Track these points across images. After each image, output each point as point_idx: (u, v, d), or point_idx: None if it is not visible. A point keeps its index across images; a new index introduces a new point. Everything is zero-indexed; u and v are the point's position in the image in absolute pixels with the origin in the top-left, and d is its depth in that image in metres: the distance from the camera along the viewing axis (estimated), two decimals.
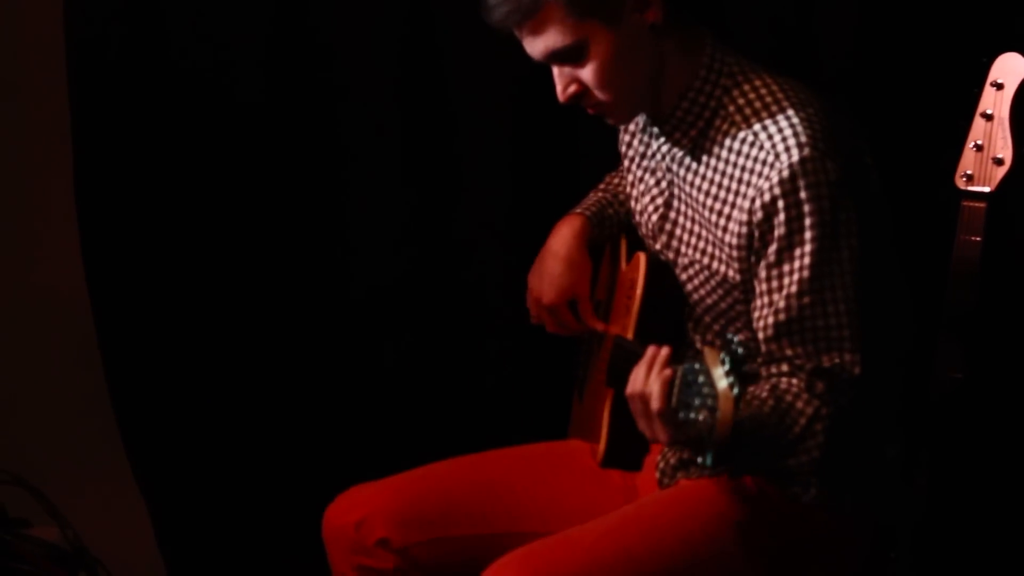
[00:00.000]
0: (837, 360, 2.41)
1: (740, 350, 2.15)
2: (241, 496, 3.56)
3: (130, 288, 3.52)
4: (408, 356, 3.48)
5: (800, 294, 2.41)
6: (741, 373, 2.14)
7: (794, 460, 2.42)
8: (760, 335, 2.45)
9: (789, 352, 2.43)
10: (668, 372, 2.27)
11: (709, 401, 2.15)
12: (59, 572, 3.27)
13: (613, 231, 2.84)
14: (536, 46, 2.45)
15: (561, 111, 3.17)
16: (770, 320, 2.44)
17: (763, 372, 2.46)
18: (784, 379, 2.43)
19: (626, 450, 2.68)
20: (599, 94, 2.48)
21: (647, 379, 2.29)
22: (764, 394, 2.41)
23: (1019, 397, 2.97)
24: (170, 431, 3.56)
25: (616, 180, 2.88)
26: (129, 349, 3.54)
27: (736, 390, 2.12)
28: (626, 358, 2.57)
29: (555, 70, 2.49)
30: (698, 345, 2.64)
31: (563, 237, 2.78)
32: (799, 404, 2.40)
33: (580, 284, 2.76)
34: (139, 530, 3.61)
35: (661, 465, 2.64)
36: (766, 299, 2.44)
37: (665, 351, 2.30)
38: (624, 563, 2.45)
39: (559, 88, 2.49)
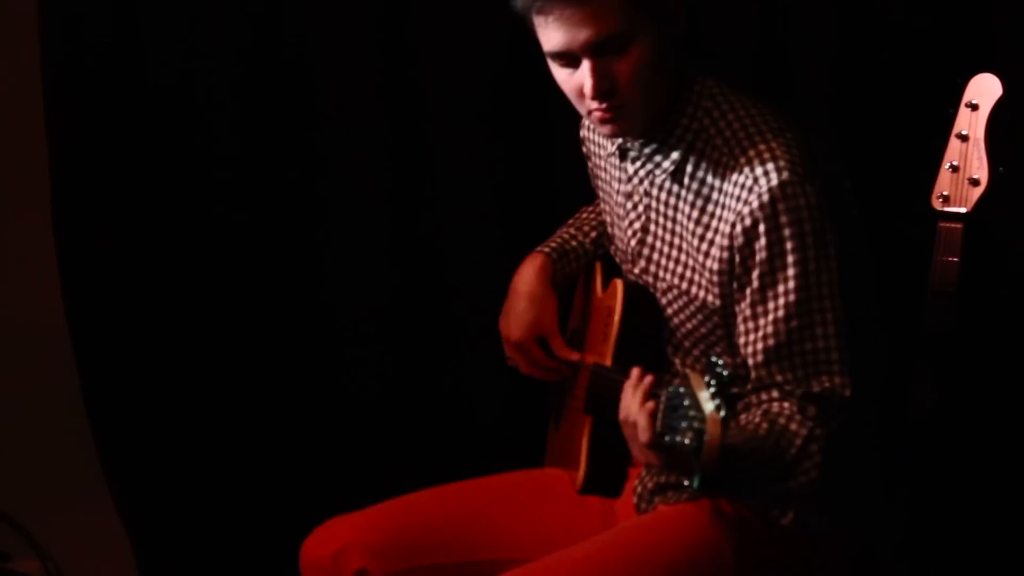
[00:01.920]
0: (827, 384, 2.40)
1: (725, 372, 2.14)
2: (221, 529, 3.56)
3: (109, 323, 3.51)
4: (385, 388, 3.48)
5: (787, 318, 2.40)
6: (728, 396, 2.13)
7: (793, 482, 2.39)
8: (749, 361, 2.44)
9: (779, 378, 2.42)
10: (651, 404, 2.28)
11: (696, 424, 2.14)
12: None
13: (580, 263, 2.84)
14: (583, 32, 2.39)
15: (541, 135, 3.24)
16: (759, 347, 2.43)
17: (754, 399, 2.45)
18: (775, 404, 2.42)
19: (605, 477, 2.67)
20: (630, 92, 2.44)
21: (632, 408, 2.32)
22: (757, 419, 2.39)
23: (998, 417, 2.98)
24: (150, 463, 3.55)
25: (586, 214, 2.89)
26: (108, 384, 3.54)
27: (723, 412, 2.11)
28: (605, 385, 2.58)
29: (586, 65, 2.43)
30: (678, 366, 2.63)
31: (524, 275, 2.79)
32: (792, 426, 2.38)
33: (546, 319, 2.77)
34: (121, 563, 3.60)
35: (639, 490, 2.63)
36: (752, 324, 2.43)
37: (648, 380, 2.31)
38: None
39: (592, 82, 2.42)
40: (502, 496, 2.73)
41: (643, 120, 2.50)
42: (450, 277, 3.42)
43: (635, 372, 2.34)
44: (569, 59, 2.44)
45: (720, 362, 2.16)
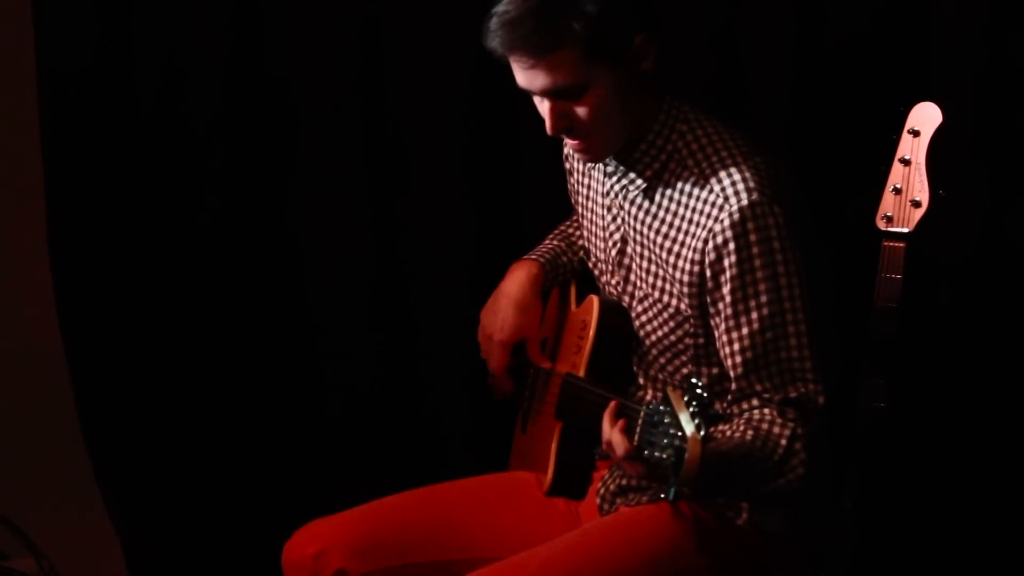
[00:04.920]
0: (802, 390, 2.43)
1: (705, 394, 2.17)
2: (208, 530, 3.56)
3: (101, 333, 3.52)
4: (362, 399, 3.49)
5: (762, 331, 2.43)
6: (707, 416, 2.16)
7: (783, 479, 2.42)
8: (730, 374, 2.48)
9: (758, 387, 2.45)
10: (622, 423, 2.34)
11: (676, 442, 2.17)
12: None
13: (566, 277, 2.85)
14: (539, 80, 2.42)
15: (513, 151, 3.26)
16: (738, 359, 2.46)
17: (735, 410, 2.48)
18: (756, 411, 2.45)
19: (571, 480, 2.70)
20: (589, 130, 2.47)
21: (606, 429, 2.37)
22: (741, 427, 2.43)
23: (939, 424, 3.00)
24: (139, 468, 3.55)
25: (571, 229, 2.89)
26: (100, 391, 3.54)
27: (703, 433, 2.14)
28: (576, 394, 2.62)
29: (546, 103, 2.46)
30: (642, 380, 2.66)
31: (518, 281, 2.79)
32: (775, 429, 2.41)
33: (530, 326, 2.78)
34: (112, 561, 3.60)
35: (602, 492, 2.66)
36: (728, 337, 2.47)
37: (612, 404, 2.37)
38: None
39: (550, 122, 2.46)
40: (473, 498, 2.74)
41: (612, 147, 2.53)
42: (423, 292, 3.42)
43: (612, 404, 2.39)
44: (534, 95, 2.47)
45: (700, 383, 2.19)
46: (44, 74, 3.41)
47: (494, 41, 2.42)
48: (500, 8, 2.42)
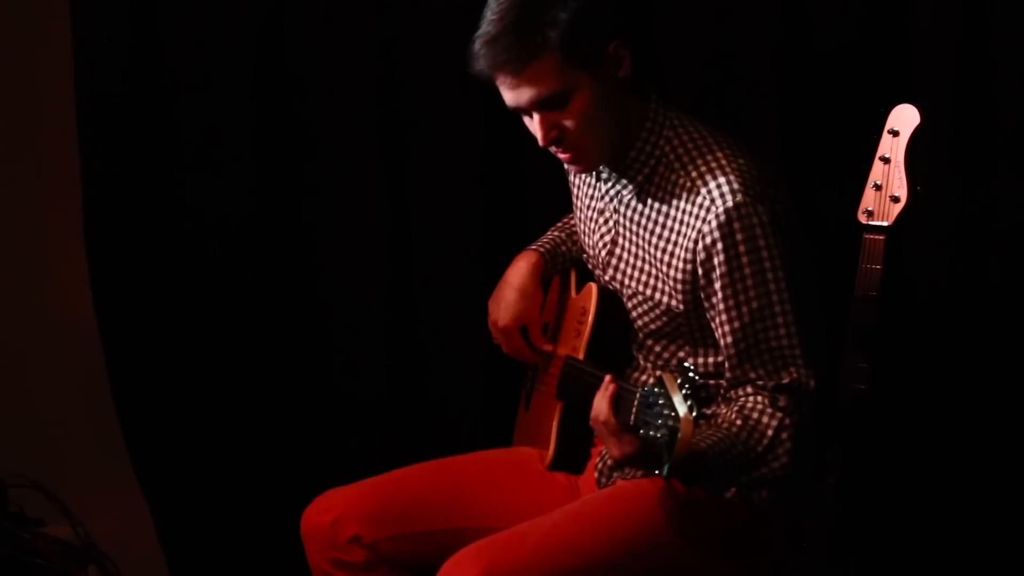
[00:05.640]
0: (795, 375, 2.51)
1: (697, 377, 2.27)
2: (232, 498, 3.63)
3: (133, 318, 3.58)
4: (377, 378, 3.54)
5: (752, 323, 2.51)
6: (699, 398, 2.26)
7: (767, 468, 2.50)
8: (726, 364, 2.56)
9: (752, 375, 2.53)
10: (613, 387, 2.41)
11: (670, 422, 2.26)
12: (71, 566, 3.28)
13: (565, 266, 2.92)
14: (525, 94, 2.50)
15: (519, 159, 3.28)
16: (732, 350, 2.54)
17: (732, 395, 2.56)
18: (750, 399, 2.53)
19: (571, 455, 2.78)
20: (578, 138, 2.53)
21: (596, 400, 2.45)
22: (733, 415, 2.51)
23: (916, 406, 3.04)
24: (170, 440, 3.62)
25: (571, 220, 2.95)
26: (133, 369, 3.61)
27: (695, 413, 2.24)
28: (576, 375, 2.70)
29: (535, 117, 2.53)
30: (641, 362, 2.73)
31: (519, 270, 2.86)
32: (764, 418, 2.50)
33: (531, 312, 2.84)
34: (142, 527, 3.67)
35: (600, 467, 2.74)
36: (722, 330, 2.54)
37: (607, 378, 2.45)
38: (568, 554, 2.55)
39: (541, 133, 2.52)
40: (479, 471, 2.81)
41: (602, 155, 2.60)
42: (435, 281, 3.46)
43: (605, 380, 2.46)
44: (523, 112, 2.55)
45: (692, 367, 2.28)
46: (81, 79, 3.47)
47: (479, 63, 2.50)
48: (480, 31, 2.51)
